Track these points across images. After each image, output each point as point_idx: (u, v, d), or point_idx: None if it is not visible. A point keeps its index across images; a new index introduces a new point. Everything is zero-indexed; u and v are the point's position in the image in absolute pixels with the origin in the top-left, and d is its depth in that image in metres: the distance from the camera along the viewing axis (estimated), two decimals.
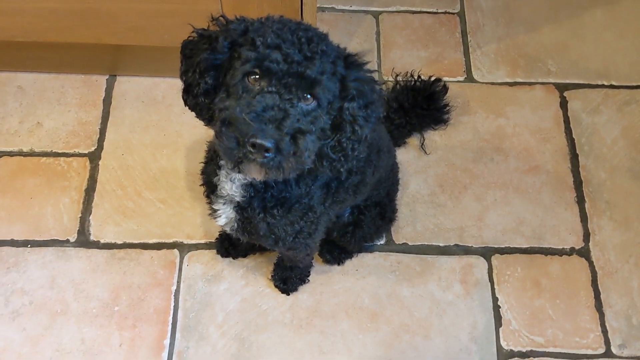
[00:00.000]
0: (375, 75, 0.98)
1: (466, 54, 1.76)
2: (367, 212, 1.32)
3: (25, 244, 1.47)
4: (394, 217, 1.43)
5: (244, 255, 1.47)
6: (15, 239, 1.47)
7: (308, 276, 1.43)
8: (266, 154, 0.81)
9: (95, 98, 1.66)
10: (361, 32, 1.79)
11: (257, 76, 0.86)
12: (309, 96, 0.87)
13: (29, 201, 1.52)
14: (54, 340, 1.37)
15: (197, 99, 0.94)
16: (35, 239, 1.48)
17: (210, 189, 1.11)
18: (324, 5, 1.82)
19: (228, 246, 1.45)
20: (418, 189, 1.57)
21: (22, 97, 1.66)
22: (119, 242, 1.48)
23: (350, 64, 0.92)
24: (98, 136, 1.61)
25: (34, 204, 1.52)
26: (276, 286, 1.43)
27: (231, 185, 1.04)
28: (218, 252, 1.47)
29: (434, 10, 1.83)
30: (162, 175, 1.56)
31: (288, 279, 1.41)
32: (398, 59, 1.74)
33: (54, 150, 1.59)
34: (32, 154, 1.58)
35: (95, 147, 1.60)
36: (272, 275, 1.43)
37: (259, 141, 0.80)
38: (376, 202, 1.34)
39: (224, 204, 1.08)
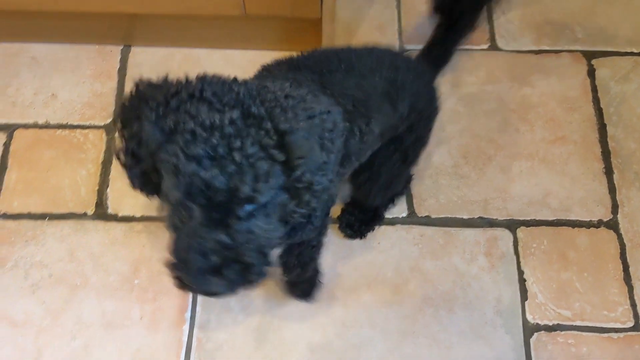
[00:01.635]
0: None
1: (490, 21, 1.70)
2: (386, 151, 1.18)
3: (42, 217, 1.45)
4: (416, 161, 1.31)
5: None
6: (32, 212, 1.46)
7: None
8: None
9: (110, 69, 1.63)
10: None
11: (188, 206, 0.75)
12: (247, 207, 0.75)
13: (45, 174, 1.50)
14: (74, 313, 1.36)
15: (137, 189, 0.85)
16: (53, 212, 1.46)
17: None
18: None
19: None
20: (441, 160, 1.53)
21: (36, 68, 1.62)
22: (137, 215, 1.46)
23: (289, 144, 0.75)
24: (114, 108, 1.58)
25: (50, 177, 1.50)
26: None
27: None
28: None
29: None
30: None
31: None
32: (420, 26, 1.68)
33: (69, 123, 1.56)
34: (47, 126, 1.55)
35: (111, 119, 1.57)
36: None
37: (205, 294, 0.78)
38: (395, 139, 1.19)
39: None
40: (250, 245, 0.77)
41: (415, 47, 1.60)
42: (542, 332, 1.35)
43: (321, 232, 1.13)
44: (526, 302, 1.38)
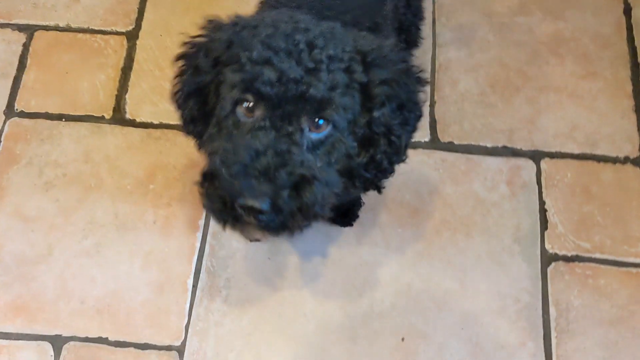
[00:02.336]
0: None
1: None
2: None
3: (59, 117, 1.43)
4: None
5: None
6: (49, 111, 1.43)
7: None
8: (260, 217, 0.65)
9: None
10: None
11: (249, 104, 0.68)
12: (320, 122, 0.68)
13: (64, 76, 1.47)
14: (87, 213, 1.34)
15: (187, 127, 0.79)
16: (70, 113, 1.43)
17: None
18: None
19: None
20: (468, 87, 1.49)
21: None
22: (155, 122, 1.43)
23: (371, 65, 0.71)
24: (136, 15, 1.55)
25: (69, 79, 1.47)
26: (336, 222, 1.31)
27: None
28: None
29: None
30: None
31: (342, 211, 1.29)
32: None
33: (90, 27, 1.53)
34: (68, 29, 1.53)
35: (134, 27, 1.53)
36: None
37: (249, 203, 0.64)
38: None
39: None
40: (306, 173, 0.68)
41: None
42: (560, 262, 1.33)
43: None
44: (546, 232, 1.35)
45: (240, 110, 0.69)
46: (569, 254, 1.33)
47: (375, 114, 0.72)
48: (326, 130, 0.69)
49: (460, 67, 1.51)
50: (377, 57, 0.72)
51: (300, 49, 0.67)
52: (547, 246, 1.34)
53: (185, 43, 0.79)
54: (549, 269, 1.32)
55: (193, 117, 0.78)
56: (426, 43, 1.52)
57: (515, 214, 1.37)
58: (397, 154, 0.78)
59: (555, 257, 1.33)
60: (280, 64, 0.66)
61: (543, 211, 1.37)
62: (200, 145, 0.80)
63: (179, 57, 0.79)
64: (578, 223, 1.36)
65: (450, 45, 1.53)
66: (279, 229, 0.69)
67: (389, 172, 0.80)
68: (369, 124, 0.73)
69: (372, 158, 0.75)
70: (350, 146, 0.72)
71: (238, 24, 0.74)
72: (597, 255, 1.33)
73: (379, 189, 0.92)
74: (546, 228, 1.36)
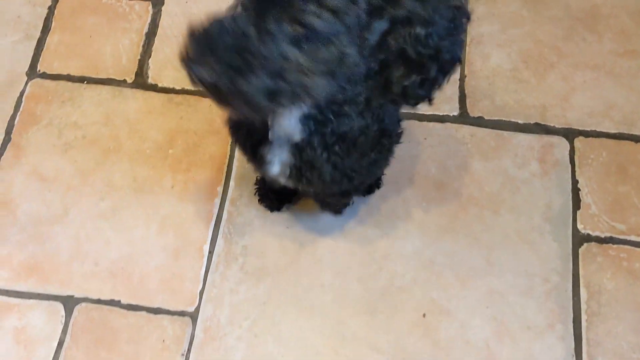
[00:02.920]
0: None
1: None
2: None
3: (81, 80, 1.41)
4: None
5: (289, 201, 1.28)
6: (71, 74, 1.42)
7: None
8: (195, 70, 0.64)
9: None
10: None
11: None
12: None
13: (87, 39, 1.46)
14: (104, 175, 1.32)
15: None
16: (92, 76, 1.42)
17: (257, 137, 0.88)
18: None
19: (272, 197, 1.25)
20: (500, 62, 1.44)
21: None
22: (177, 87, 1.40)
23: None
24: None
25: (92, 43, 1.45)
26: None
27: (289, 120, 0.81)
28: (266, 206, 1.27)
29: None
30: None
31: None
32: None
33: None
34: None
35: None
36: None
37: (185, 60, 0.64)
38: None
39: (279, 148, 0.87)
40: (271, 65, 0.64)
41: None
42: (593, 243, 1.26)
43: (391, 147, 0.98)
44: (578, 212, 1.29)
45: None
46: (603, 235, 1.27)
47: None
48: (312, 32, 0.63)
49: (492, 42, 1.46)
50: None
51: None
52: (580, 226, 1.28)
53: None
54: (580, 250, 1.25)
55: None
56: None
57: (547, 193, 1.31)
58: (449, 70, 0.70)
59: (588, 238, 1.27)
60: None
61: (576, 190, 1.31)
62: None
63: None
64: (613, 203, 1.30)
65: (482, 19, 1.48)
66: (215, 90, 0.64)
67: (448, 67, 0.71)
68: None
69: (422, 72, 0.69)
70: (349, 56, 0.66)
71: None
72: (633, 238, 1.27)
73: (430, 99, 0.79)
74: (579, 208, 1.29)
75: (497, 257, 1.25)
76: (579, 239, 1.26)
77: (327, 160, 0.86)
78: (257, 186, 1.27)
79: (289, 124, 0.81)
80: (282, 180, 0.93)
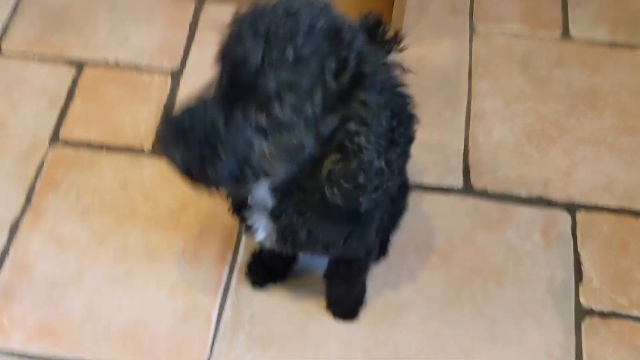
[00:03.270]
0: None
1: (564, 9, 1.68)
2: None
3: (100, 147, 1.48)
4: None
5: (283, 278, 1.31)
6: (91, 141, 1.48)
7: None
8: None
9: (182, 19, 1.67)
10: None
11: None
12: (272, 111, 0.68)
13: (108, 109, 1.53)
14: (119, 240, 1.36)
15: None
16: (111, 144, 1.48)
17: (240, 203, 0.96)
18: None
19: (261, 272, 1.30)
20: (503, 137, 1.49)
21: (113, 13, 1.68)
22: None
23: (357, 82, 0.69)
24: (182, 55, 1.61)
25: (113, 112, 1.53)
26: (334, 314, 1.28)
27: (260, 190, 0.87)
28: (250, 280, 1.30)
29: None
30: None
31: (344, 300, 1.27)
32: (493, 5, 1.67)
33: (137, 64, 1.60)
34: (116, 65, 1.60)
35: (179, 66, 1.59)
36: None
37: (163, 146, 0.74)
38: None
39: (257, 215, 0.93)
40: (236, 152, 0.70)
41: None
42: (596, 317, 1.28)
43: (369, 250, 1.08)
44: (580, 285, 1.31)
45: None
46: (605, 310, 1.28)
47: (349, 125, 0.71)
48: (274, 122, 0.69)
49: (495, 117, 1.51)
50: (362, 80, 0.69)
51: (280, 39, 0.65)
52: (582, 300, 1.30)
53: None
54: (583, 324, 1.27)
55: None
56: (461, 91, 1.54)
57: (549, 265, 1.33)
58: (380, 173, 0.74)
59: (591, 312, 1.28)
60: (250, 45, 0.66)
61: (578, 264, 1.33)
62: None
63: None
64: (615, 277, 1.32)
65: (485, 95, 1.54)
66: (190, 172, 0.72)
67: (364, 191, 0.75)
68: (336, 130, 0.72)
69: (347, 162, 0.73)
70: (306, 145, 0.71)
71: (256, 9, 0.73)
72: (635, 313, 1.28)
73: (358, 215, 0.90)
74: (581, 281, 1.31)
75: (501, 329, 1.26)
76: (582, 313, 1.28)
77: (302, 226, 0.91)
78: (252, 258, 1.31)
79: (260, 193, 0.88)
80: (269, 245, 0.99)
